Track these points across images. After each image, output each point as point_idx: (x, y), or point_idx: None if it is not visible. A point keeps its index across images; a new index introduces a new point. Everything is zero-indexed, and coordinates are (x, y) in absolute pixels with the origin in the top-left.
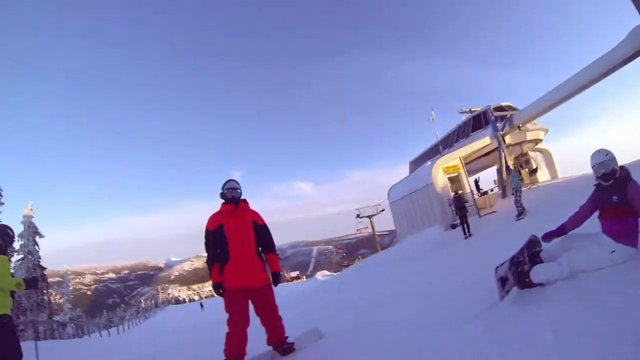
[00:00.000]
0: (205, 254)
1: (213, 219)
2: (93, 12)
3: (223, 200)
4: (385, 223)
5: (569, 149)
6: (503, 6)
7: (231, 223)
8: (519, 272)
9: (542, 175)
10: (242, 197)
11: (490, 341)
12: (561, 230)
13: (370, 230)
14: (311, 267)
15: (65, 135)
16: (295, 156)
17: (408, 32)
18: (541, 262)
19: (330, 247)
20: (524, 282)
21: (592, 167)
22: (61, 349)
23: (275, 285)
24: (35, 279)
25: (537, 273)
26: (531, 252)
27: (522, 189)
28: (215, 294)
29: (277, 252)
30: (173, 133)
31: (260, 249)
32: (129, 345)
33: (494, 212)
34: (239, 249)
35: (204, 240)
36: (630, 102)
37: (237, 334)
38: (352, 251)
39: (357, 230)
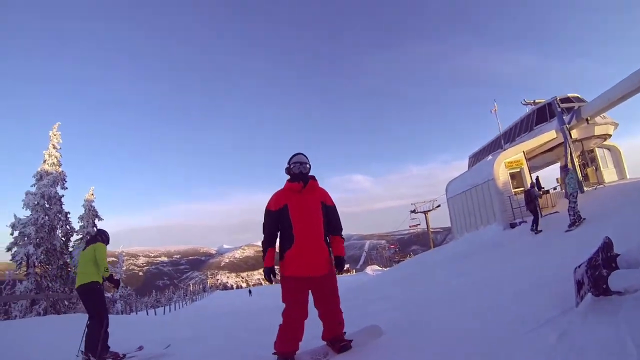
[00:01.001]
0: (262, 238)
1: (276, 197)
2: None
3: (288, 177)
4: (439, 220)
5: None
6: None
7: (298, 203)
8: (597, 276)
9: (609, 175)
10: (310, 174)
11: (564, 351)
12: None
13: (422, 226)
14: (361, 261)
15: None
16: (353, 149)
17: (471, 20)
18: (617, 267)
19: (383, 241)
20: (601, 288)
21: None
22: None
23: (339, 271)
24: (118, 280)
25: (616, 279)
26: (607, 256)
27: (585, 189)
28: (265, 280)
29: (343, 236)
30: (232, 123)
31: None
32: (172, 325)
33: (557, 212)
34: (306, 233)
35: (262, 220)
36: None
37: (293, 327)
38: (404, 247)
39: (410, 226)
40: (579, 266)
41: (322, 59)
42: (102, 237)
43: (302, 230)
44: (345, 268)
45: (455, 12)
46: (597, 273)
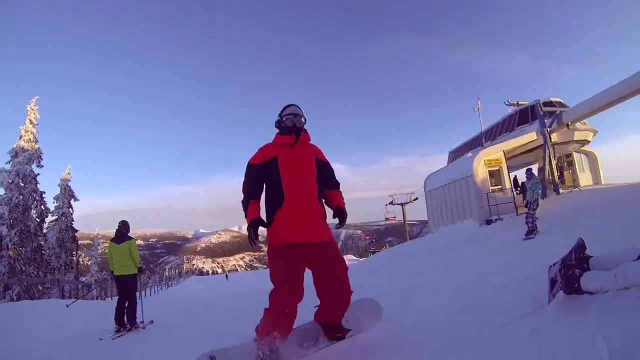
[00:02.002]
0: (240, 211)
1: (262, 150)
2: None
3: (278, 131)
4: (416, 213)
5: (615, 154)
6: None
7: (289, 157)
8: (569, 275)
9: (585, 179)
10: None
11: (535, 347)
12: None
13: (399, 218)
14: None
15: (106, 101)
16: (333, 136)
17: (461, 16)
18: (589, 269)
19: (359, 231)
20: (573, 287)
21: None
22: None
23: (341, 225)
24: (142, 269)
25: (588, 280)
26: (580, 257)
27: (561, 191)
28: (250, 240)
29: (339, 190)
30: (209, 106)
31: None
32: (147, 312)
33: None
34: (299, 189)
35: (243, 179)
36: None
37: (283, 313)
38: (380, 237)
39: (386, 218)
40: (553, 265)
41: (305, 40)
42: (128, 230)
43: (294, 186)
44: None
45: (445, 6)
46: (570, 272)
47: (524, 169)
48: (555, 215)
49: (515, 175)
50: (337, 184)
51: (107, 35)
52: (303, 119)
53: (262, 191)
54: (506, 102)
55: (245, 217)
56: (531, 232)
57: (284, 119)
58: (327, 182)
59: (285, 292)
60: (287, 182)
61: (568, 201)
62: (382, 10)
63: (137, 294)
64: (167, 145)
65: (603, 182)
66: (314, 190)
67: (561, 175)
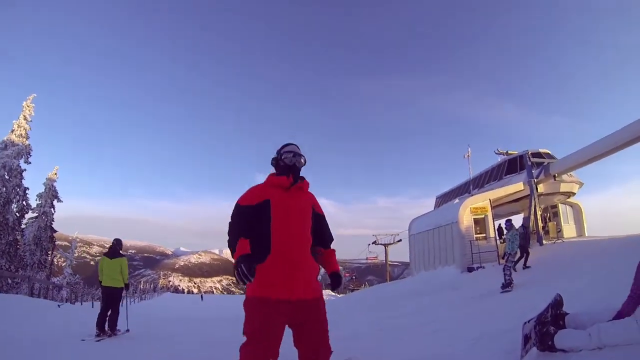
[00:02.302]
0: (223, 245)
1: (253, 191)
2: None
3: (272, 172)
4: (399, 254)
5: (599, 206)
6: (563, 52)
7: (284, 201)
8: (544, 332)
9: (569, 231)
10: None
11: None
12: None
13: (380, 259)
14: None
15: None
16: (322, 172)
17: (457, 62)
18: (564, 326)
19: (340, 268)
20: (546, 344)
21: None
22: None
23: (335, 289)
24: (128, 285)
25: (562, 338)
26: (556, 313)
27: (545, 242)
28: (238, 279)
29: (333, 249)
30: (209, 123)
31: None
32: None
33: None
34: (292, 240)
35: (229, 220)
36: None
37: None
38: (360, 276)
39: (368, 258)
40: (528, 321)
41: (295, 76)
42: (121, 248)
43: (287, 235)
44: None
45: (440, 50)
46: (545, 329)
47: (504, 220)
48: (537, 267)
49: (500, 224)
50: (332, 239)
51: (104, 41)
52: (303, 160)
53: (251, 233)
54: (496, 151)
55: (233, 254)
56: (508, 284)
57: (282, 156)
58: (320, 237)
59: (258, 347)
60: (280, 229)
61: (550, 253)
62: (376, 50)
63: (120, 305)
64: (158, 160)
65: (587, 234)
66: (308, 243)
67: (545, 226)
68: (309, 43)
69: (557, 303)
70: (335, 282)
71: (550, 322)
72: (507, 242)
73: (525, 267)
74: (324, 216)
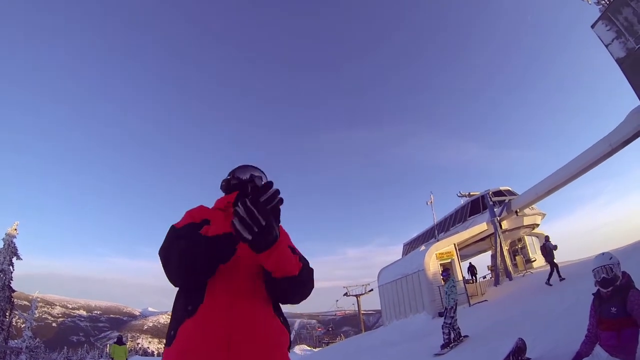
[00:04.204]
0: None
1: (193, 211)
2: None
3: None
4: (372, 303)
5: (564, 231)
6: (521, 86)
7: (228, 227)
8: None
9: (538, 261)
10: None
11: None
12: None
13: (351, 309)
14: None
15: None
16: (285, 227)
17: (413, 110)
18: None
19: (313, 321)
20: None
21: (593, 271)
22: None
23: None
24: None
25: None
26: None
27: (514, 275)
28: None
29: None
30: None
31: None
32: None
33: (485, 300)
34: (234, 284)
35: (163, 247)
36: (627, 182)
37: None
38: (336, 327)
39: (336, 313)
40: None
41: (260, 127)
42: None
43: (228, 276)
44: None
45: (392, 99)
46: None
47: (468, 261)
48: (502, 306)
49: (470, 262)
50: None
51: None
52: (262, 179)
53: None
54: (458, 194)
55: (193, 260)
56: (447, 344)
57: (232, 179)
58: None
59: None
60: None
61: (517, 288)
62: (339, 104)
63: None
64: (122, 217)
65: (556, 261)
66: (259, 289)
67: (514, 261)
68: (269, 104)
69: (519, 349)
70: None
71: None
72: (445, 296)
73: (561, 278)
74: (292, 249)
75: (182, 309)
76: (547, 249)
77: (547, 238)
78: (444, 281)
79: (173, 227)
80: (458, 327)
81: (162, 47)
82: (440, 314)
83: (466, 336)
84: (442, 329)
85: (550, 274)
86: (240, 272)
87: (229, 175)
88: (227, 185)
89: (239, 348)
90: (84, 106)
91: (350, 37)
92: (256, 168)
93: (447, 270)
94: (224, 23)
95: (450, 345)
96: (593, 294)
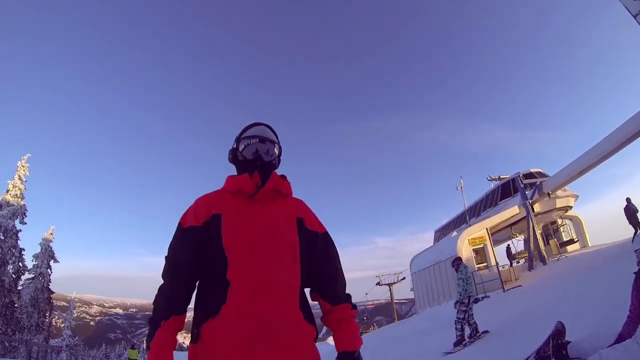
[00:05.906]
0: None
1: (199, 204)
2: None
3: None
4: (405, 291)
5: (599, 213)
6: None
7: (242, 216)
8: None
9: (572, 245)
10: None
11: None
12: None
13: (384, 299)
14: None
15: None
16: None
17: (441, 93)
18: (567, 356)
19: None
20: None
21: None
22: None
23: None
24: None
25: None
26: (557, 343)
27: (548, 260)
28: None
29: (353, 304)
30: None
31: (311, 291)
32: None
33: (519, 286)
34: (258, 278)
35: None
36: None
37: None
38: (369, 317)
39: (366, 305)
40: (527, 358)
41: (293, 119)
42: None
43: (249, 272)
44: None
45: (422, 84)
46: None
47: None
48: (538, 290)
49: (509, 244)
50: (344, 286)
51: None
52: (276, 148)
53: (192, 290)
54: (488, 178)
55: (147, 348)
56: (459, 342)
57: (241, 145)
58: (321, 279)
59: None
60: (238, 263)
61: (551, 272)
62: (366, 92)
63: None
64: (158, 216)
65: (590, 245)
66: (290, 281)
67: (547, 244)
68: (295, 94)
69: (558, 332)
70: None
71: (551, 354)
72: (458, 287)
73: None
74: (325, 235)
75: (205, 308)
76: (631, 211)
77: (628, 200)
78: (456, 268)
79: (178, 227)
80: (475, 322)
81: (183, 42)
82: (476, 300)
83: (485, 331)
84: (455, 324)
85: (635, 233)
86: (261, 261)
87: (235, 140)
88: (235, 159)
89: (264, 348)
90: (114, 111)
91: (380, 24)
92: (268, 130)
93: (458, 259)
94: (247, 23)
95: (464, 343)
96: (634, 272)
